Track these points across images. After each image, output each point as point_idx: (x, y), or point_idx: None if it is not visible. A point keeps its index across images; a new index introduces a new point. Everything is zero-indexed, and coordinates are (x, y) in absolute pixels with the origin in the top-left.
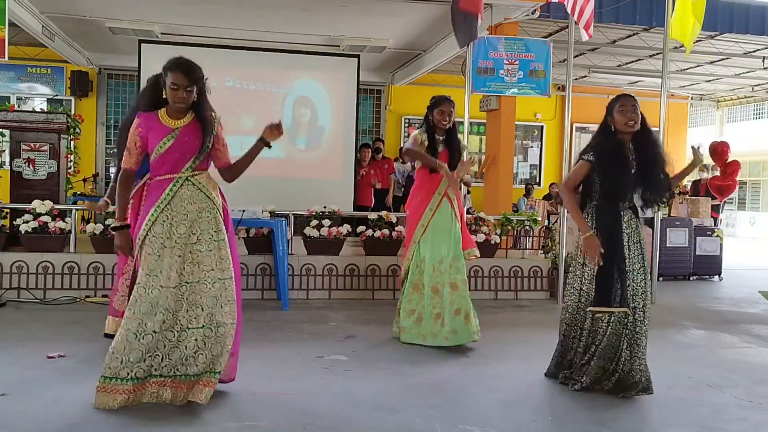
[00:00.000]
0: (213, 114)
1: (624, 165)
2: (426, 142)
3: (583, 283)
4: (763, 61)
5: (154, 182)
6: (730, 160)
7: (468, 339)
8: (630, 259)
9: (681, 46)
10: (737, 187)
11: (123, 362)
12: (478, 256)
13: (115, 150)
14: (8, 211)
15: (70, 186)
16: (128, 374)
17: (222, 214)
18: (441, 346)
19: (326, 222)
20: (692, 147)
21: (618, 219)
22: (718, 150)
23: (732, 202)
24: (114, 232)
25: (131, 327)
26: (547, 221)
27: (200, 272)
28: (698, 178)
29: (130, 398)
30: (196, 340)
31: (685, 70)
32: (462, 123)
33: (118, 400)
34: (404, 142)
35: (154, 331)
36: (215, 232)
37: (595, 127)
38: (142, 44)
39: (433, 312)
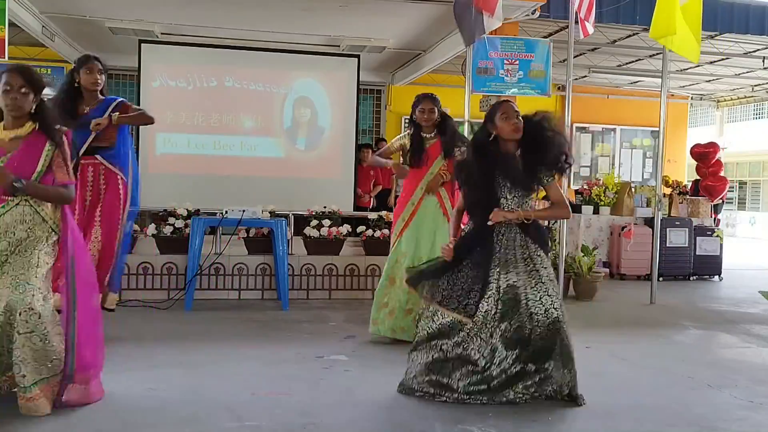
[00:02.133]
0: (59, 126)
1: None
2: (408, 143)
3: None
4: (763, 61)
5: None
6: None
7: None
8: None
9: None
10: (727, 186)
11: None
12: None
13: None
14: None
15: None
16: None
17: (57, 232)
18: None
19: (326, 222)
20: None
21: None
22: (703, 153)
23: (732, 202)
24: None
25: None
26: (547, 221)
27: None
28: (698, 178)
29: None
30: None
31: (685, 70)
32: (462, 123)
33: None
34: None
35: None
36: (44, 255)
37: (595, 127)
38: (142, 44)
39: (405, 307)
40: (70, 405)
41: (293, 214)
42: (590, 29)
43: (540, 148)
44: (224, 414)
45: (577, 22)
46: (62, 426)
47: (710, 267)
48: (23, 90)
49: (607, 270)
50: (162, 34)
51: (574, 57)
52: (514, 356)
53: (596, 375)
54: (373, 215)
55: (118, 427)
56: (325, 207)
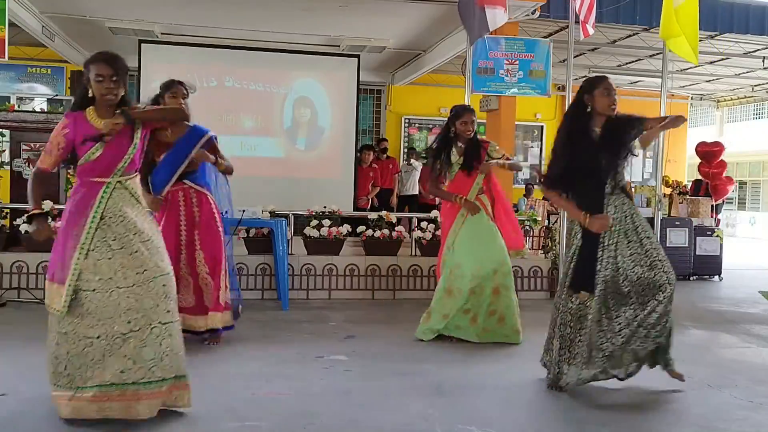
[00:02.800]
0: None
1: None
2: (441, 163)
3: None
4: (763, 61)
5: (83, 184)
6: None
7: (500, 339)
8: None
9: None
10: (732, 186)
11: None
12: (526, 257)
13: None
14: (8, 211)
15: (70, 186)
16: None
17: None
18: (468, 341)
19: (326, 222)
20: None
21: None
22: (710, 151)
23: (732, 202)
24: (32, 223)
25: (90, 334)
26: (547, 221)
27: (132, 278)
28: (698, 178)
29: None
30: (134, 347)
31: (685, 70)
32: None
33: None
34: (404, 143)
35: (122, 333)
36: (157, 232)
37: None
38: (142, 44)
39: (464, 308)
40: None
41: (293, 214)
42: (590, 30)
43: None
44: (224, 414)
45: (577, 23)
46: (64, 425)
47: (710, 267)
48: (114, 78)
49: None
50: (162, 34)
51: (574, 57)
52: None
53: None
54: (373, 215)
55: (117, 427)
56: (325, 207)
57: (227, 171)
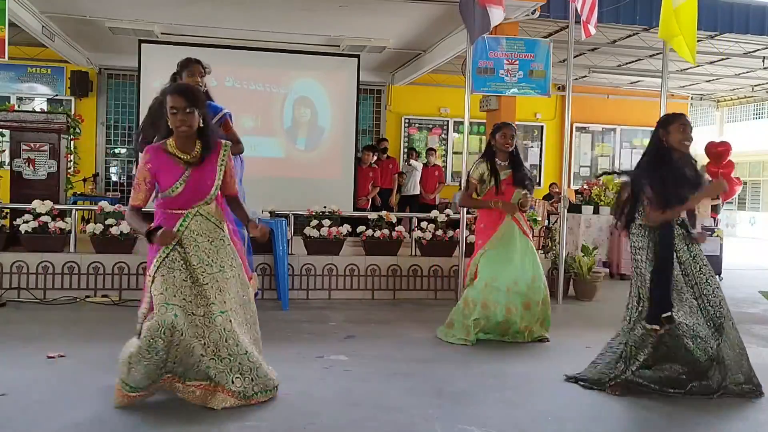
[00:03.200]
0: (224, 145)
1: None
2: (487, 172)
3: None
4: (763, 61)
5: (163, 215)
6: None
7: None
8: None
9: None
10: (740, 186)
11: (138, 372)
12: None
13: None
14: (8, 211)
15: (71, 186)
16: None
17: (230, 240)
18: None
19: (326, 222)
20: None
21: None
22: (717, 151)
23: (732, 202)
24: (153, 236)
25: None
26: (547, 221)
27: (230, 299)
28: None
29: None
30: (240, 364)
31: (685, 70)
32: (462, 123)
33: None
34: (404, 143)
35: (202, 355)
36: (232, 259)
37: (595, 127)
38: (142, 44)
39: (500, 323)
40: None
41: (293, 214)
42: (592, 30)
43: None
44: (224, 414)
45: (577, 22)
46: (64, 425)
47: (710, 267)
48: (188, 110)
49: (607, 270)
50: (162, 34)
51: (574, 57)
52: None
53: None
54: (373, 215)
55: (118, 428)
56: (325, 207)
57: (235, 152)
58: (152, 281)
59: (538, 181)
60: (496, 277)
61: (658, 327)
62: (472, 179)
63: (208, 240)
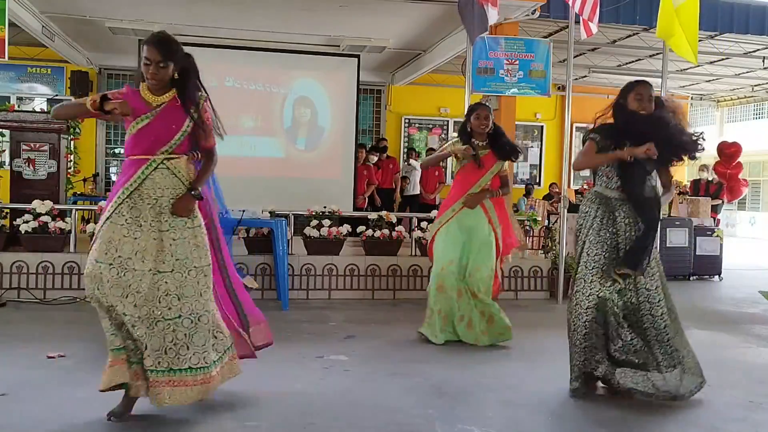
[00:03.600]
0: (200, 94)
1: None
2: (460, 149)
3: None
4: (763, 61)
5: (127, 161)
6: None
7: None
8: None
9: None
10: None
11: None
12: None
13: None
14: (8, 211)
15: (71, 186)
16: (121, 344)
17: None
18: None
19: (326, 222)
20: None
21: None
22: (729, 152)
23: (732, 202)
24: (105, 104)
25: (102, 314)
26: (547, 221)
27: (174, 261)
28: (698, 177)
29: (127, 375)
30: (174, 331)
31: (685, 70)
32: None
33: (119, 374)
34: (404, 143)
35: (125, 314)
36: (190, 219)
37: None
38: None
39: (458, 314)
40: (259, 347)
41: (293, 214)
42: (594, 29)
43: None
44: (224, 414)
45: (577, 22)
46: (63, 425)
47: (710, 267)
48: (161, 64)
49: None
50: None
51: (574, 57)
52: None
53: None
54: (373, 215)
55: (118, 428)
56: (325, 207)
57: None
58: (99, 230)
59: (538, 181)
60: (452, 260)
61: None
62: (443, 148)
63: (170, 198)
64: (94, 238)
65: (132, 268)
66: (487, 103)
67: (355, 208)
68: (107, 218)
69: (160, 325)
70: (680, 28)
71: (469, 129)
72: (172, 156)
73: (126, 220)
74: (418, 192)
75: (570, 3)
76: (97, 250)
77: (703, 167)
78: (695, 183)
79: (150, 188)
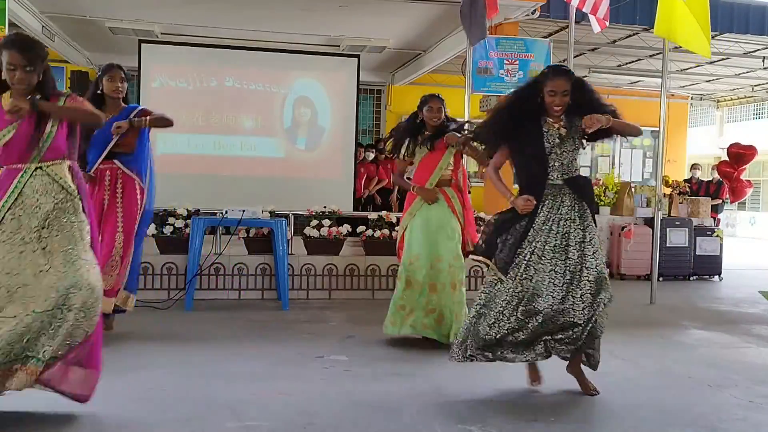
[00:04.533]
0: (61, 95)
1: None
2: (409, 149)
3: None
4: (763, 61)
5: (4, 172)
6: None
7: (438, 338)
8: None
9: (678, 47)
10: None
11: None
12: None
13: None
14: None
15: None
16: None
17: (81, 200)
18: (424, 336)
19: (326, 222)
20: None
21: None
22: (738, 152)
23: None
24: None
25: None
26: None
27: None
28: (689, 176)
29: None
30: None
31: (685, 70)
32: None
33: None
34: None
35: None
36: (77, 222)
37: None
38: (142, 44)
39: (428, 307)
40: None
41: (293, 214)
42: (596, 27)
43: (584, 108)
44: (224, 414)
45: (578, 23)
46: (62, 424)
47: (710, 267)
48: (27, 69)
49: (607, 270)
50: (162, 34)
51: (574, 57)
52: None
53: (596, 375)
54: (373, 215)
55: (114, 426)
56: (325, 207)
57: (161, 123)
58: None
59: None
60: (418, 255)
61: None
62: (399, 162)
63: (52, 202)
64: None
65: (23, 283)
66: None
67: (356, 207)
68: None
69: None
70: (694, 21)
71: (419, 120)
72: (52, 162)
73: (7, 235)
74: None
75: (575, 4)
76: None
77: (696, 166)
78: (687, 182)
79: (30, 197)
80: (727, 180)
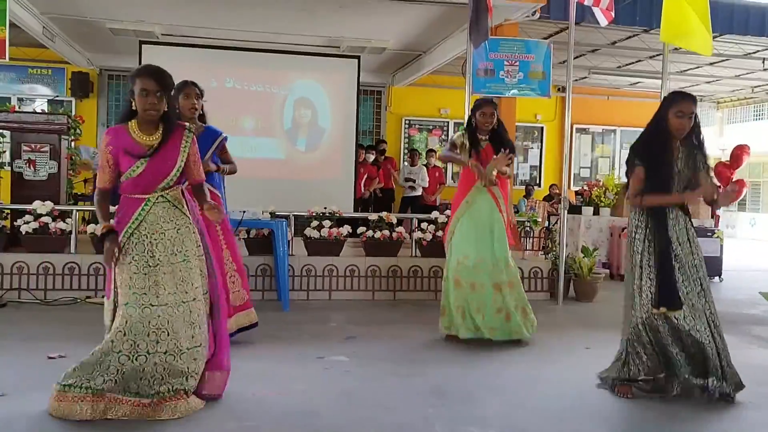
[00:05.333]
0: (187, 128)
1: (671, 165)
2: (467, 143)
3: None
4: (763, 62)
5: (126, 200)
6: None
7: (519, 335)
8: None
9: (678, 48)
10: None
11: (97, 373)
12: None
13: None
14: (9, 211)
15: (71, 187)
16: (91, 384)
17: (198, 227)
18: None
19: (327, 223)
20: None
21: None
22: (736, 153)
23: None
24: (104, 240)
25: (123, 348)
26: (547, 222)
27: (193, 290)
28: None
29: (93, 408)
30: (155, 364)
31: (685, 71)
32: (462, 124)
33: (83, 409)
34: (405, 144)
35: (148, 353)
36: (197, 248)
37: (595, 128)
38: (143, 45)
39: (495, 306)
40: (204, 395)
41: (294, 215)
42: (603, 21)
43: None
44: (224, 414)
45: (578, 24)
46: (62, 426)
47: (710, 268)
48: (158, 94)
49: (608, 271)
50: (163, 35)
51: (574, 58)
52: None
53: (596, 376)
54: (373, 216)
55: (116, 427)
56: (325, 208)
57: (230, 172)
58: (113, 272)
59: (538, 182)
60: (468, 255)
61: (664, 309)
62: (454, 142)
63: (174, 227)
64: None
65: (149, 304)
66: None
67: (356, 208)
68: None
69: (146, 359)
70: (698, 21)
71: (474, 124)
72: (171, 191)
73: (133, 257)
74: (420, 194)
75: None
76: (120, 294)
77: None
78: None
79: (153, 223)
80: (724, 181)
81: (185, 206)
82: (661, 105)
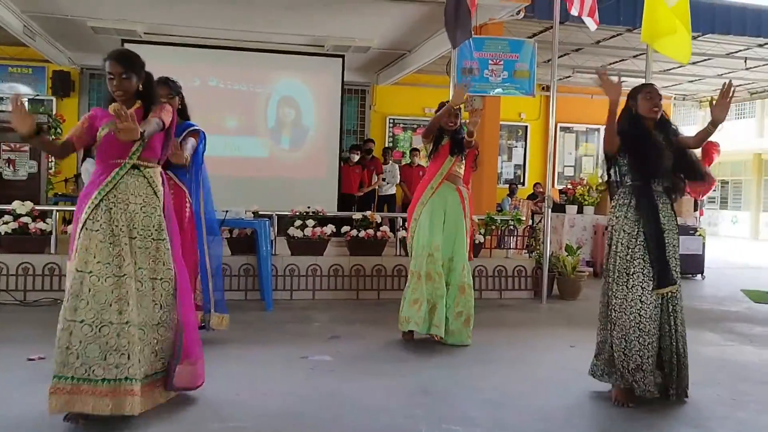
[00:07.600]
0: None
1: (656, 146)
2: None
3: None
4: (745, 61)
5: (101, 167)
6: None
7: (461, 341)
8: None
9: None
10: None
11: (78, 358)
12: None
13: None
14: None
15: (51, 187)
16: (73, 372)
17: (164, 213)
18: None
19: (310, 222)
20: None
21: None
22: (706, 147)
23: (714, 201)
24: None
25: (88, 319)
26: (531, 221)
27: (129, 267)
28: None
29: (68, 400)
30: (118, 335)
31: (668, 70)
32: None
33: (62, 401)
34: (389, 143)
35: (110, 323)
36: (156, 231)
37: (579, 126)
38: (125, 44)
39: (456, 310)
40: (179, 388)
41: (277, 215)
42: (592, 26)
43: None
44: (208, 415)
45: (562, 23)
46: (61, 426)
47: (693, 266)
48: (124, 76)
49: (591, 269)
50: (145, 33)
51: (559, 57)
52: None
53: (581, 374)
54: (357, 215)
55: (103, 428)
56: (308, 207)
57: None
58: (78, 237)
59: (522, 180)
60: (439, 246)
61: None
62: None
63: (141, 204)
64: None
65: (112, 274)
66: (472, 102)
67: (341, 208)
68: (82, 226)
69: (105, 330)
70: (681, 27)
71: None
72: (148, 164)
73: (101, 225)
74: (393, 192)
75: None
76: (76, 260)
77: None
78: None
79: (123, 192)
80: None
81: (159, 188)
82: (628, 96)
